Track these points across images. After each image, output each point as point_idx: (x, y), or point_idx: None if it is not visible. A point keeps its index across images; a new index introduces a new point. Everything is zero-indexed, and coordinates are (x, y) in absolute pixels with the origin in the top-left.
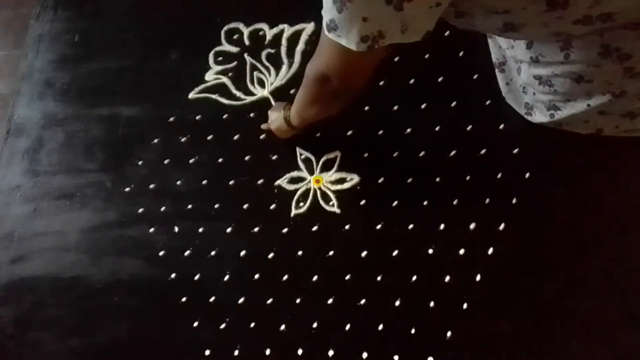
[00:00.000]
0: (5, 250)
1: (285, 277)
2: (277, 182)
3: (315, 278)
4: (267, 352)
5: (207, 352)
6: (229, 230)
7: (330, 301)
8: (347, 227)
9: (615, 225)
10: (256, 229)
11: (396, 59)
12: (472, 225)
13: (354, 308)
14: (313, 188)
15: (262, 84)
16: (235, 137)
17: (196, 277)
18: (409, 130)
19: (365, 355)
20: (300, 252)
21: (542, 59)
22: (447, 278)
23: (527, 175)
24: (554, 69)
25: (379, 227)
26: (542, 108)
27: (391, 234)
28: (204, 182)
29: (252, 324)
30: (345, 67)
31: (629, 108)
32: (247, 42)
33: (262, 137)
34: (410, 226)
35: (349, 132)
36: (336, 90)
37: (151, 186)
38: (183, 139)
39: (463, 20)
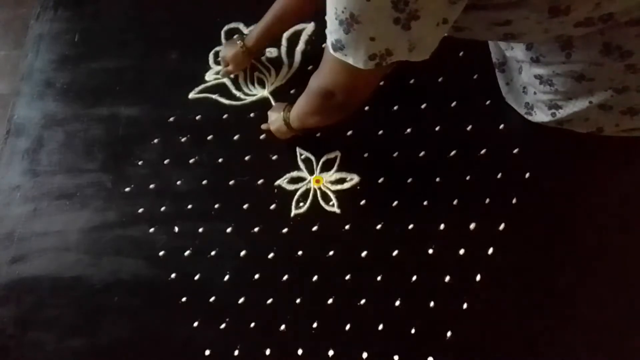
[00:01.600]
0: (5, 250)
1: (285, 277)
2: (277, 182)
3: (315, 278)
4: (267, 352)
5: (207, 352)
6: (229, 230)
7: (330, 301)
8: (347, 227)
9: (615, 225)
10: (256, 229)
11: None
12: (472, 225)
13: (354, 308)
14: (313, 188)
15: (262, 84)
16: (235, 137)
17: (196, 277)
18: (409, 130)
19: (365, 355)
20: (300, 252)
21: (542, 59)
22: (447, 278)
23: (527, 175)
24: (555, 68)
25: (379, 227)
26: (543, 107)
27: (391, 234)
28: (204, 182)
29: (252, 324)
30: (351, 83)
31: (629, 104)
32: None
33: (262, 137)
34: (410, 226)
35: (349, 132)
36: (340, 104)
37: (151, 186)
38: (183, 139)
39: (463, 34)
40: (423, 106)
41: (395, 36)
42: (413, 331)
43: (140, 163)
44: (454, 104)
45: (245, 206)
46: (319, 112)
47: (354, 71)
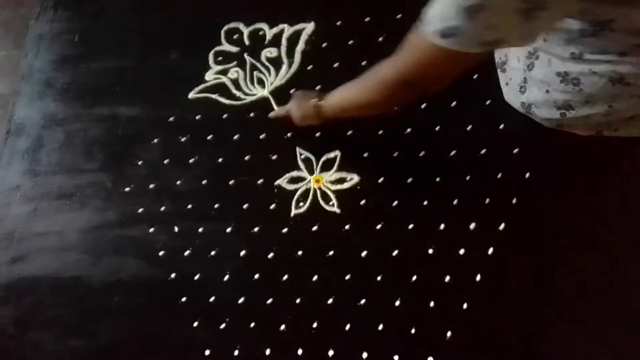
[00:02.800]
0: (5, 250)
1: (285, 277)
2: (277, 182)
3: (315, 278)
4: (267, 352)
5: (207, 352)
6: (229, 230)
7: (330, 301)
8: (347, 227)
9: (615, 225)
10: (256, 229)
11: None
12: (472, 225)
13: (354, 308)
14: (313, 188)
15: (262, 83)
16: (235, 137)
17: (196, 277)
18: (409, 130)
19: (365, 355)
20: (300, 252)
21: (588, 56)
22: (447, 278)
23: (527, 175)
24: (594, 66)
25: (379, 227)
26: (550, 106)
27: (391, 234)
28: (204, 182)
29: (252, 324)
30: (442, 71)
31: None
32: (247, 42)
33: (262, 137)
34: (410, 226)
35: (349, 132)
36: (411, 95)
37: (151, 186)
38: (183, 139)
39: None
40: (423, 106)
41: (514, 25)
42: (413, 331)
43: (140, 163)
44: (454, 104)
45: (245, 206)
46: (387, 103)
47: (450, 58)
